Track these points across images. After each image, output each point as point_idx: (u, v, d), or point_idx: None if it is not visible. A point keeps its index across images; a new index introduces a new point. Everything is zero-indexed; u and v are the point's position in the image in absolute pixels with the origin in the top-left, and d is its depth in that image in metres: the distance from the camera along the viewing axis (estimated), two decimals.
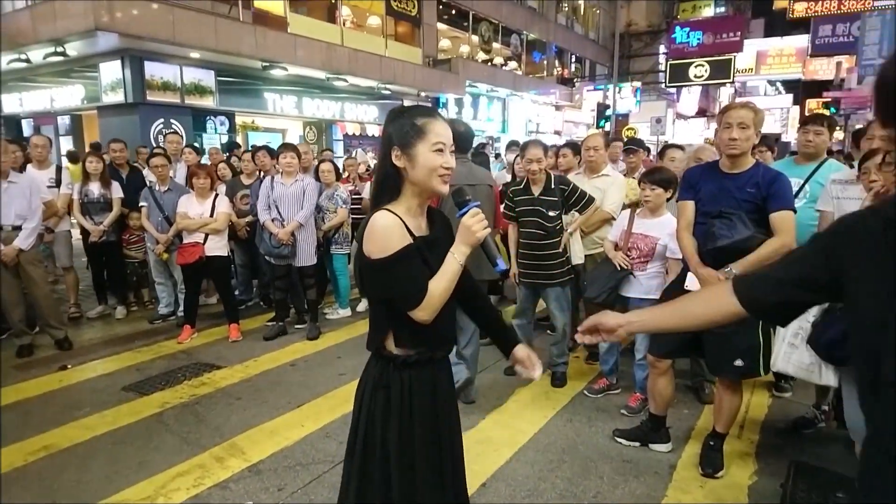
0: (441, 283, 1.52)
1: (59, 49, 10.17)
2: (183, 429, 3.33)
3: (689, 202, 2.77)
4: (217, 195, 5.01)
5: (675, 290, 2.83)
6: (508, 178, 6.44)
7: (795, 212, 2.56)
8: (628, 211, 3.49)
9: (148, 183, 5.42)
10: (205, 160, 6.85)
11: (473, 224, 1.52)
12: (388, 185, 1.57)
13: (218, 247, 4.93)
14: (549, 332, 4.71)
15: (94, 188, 5.25)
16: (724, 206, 2.61)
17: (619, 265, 3.33)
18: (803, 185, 3.46)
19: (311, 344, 4.90)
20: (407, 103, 15.50)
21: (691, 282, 2.70)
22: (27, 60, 10.96)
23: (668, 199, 3.31)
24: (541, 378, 4.01)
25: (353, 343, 4.86)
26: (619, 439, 3.15)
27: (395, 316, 1.57)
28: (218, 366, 4.35)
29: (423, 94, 17.16)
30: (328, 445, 3.11)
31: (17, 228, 4.35)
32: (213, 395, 3.82)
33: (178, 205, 4.97)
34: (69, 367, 4.31)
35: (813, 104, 26.11)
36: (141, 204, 5.26)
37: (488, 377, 4.14)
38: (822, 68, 23.99)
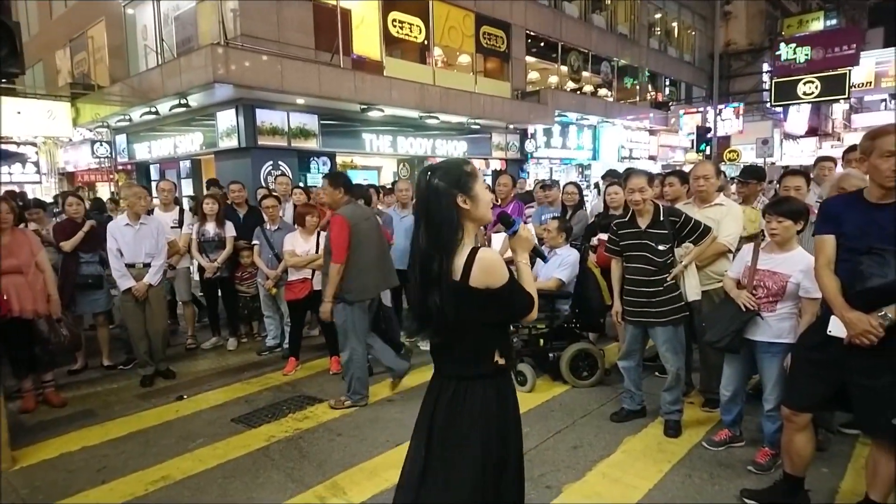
0: (532, 287, 1.91)
1: (183, 101, 11.27)
2: (288, 464, 3.39)
3: (830, 237, 2.46)
4: (319, 233, 5.22)
5: (815, 334, 2.52)
6: (601, 208, 6.21)
7: None
8: (751, 245, 3.18)
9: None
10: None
11: (529, 235, 1.98)
12: (455, 227, 1.79)
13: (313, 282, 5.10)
14: (657, 374, 4.42)
15: (210, 228, 5.65)
16: (874, 241, 2.29)
17: (744, 305, 3.02)
18: None
19: (408, 378, 4.86)
20: (495, 136, 15.65)
21: (835, 326, 2.38)
22: (156, 112, 12.24)
23: (798, 233, 2.98)
24: (652, 426, 3.77)
25: None
26: (750, 501, 2.81)
27: (499, 333, 1.91)
28: (320, 399, 4.44)
29: (511, 126, 17.23)
30: None
31: (147, 265, 4.79)
32: (316, 429, 3.88)
33: (284, 242, 5.22)
34: (185, 397, 4.58)
35: None
36: (254, 242, 5.59)
37: (591, 423, 3.90)
38: None
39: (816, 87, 18.76)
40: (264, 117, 11.55)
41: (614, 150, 21.45)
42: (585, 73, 20.67)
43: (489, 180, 13.50)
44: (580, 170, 20.57)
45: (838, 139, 29.69)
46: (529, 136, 18.03)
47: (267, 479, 3.24)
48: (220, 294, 5.96)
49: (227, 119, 11.75)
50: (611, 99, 21.56)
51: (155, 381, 4.90)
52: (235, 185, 6.17)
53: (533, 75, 19.18)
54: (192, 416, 4.20)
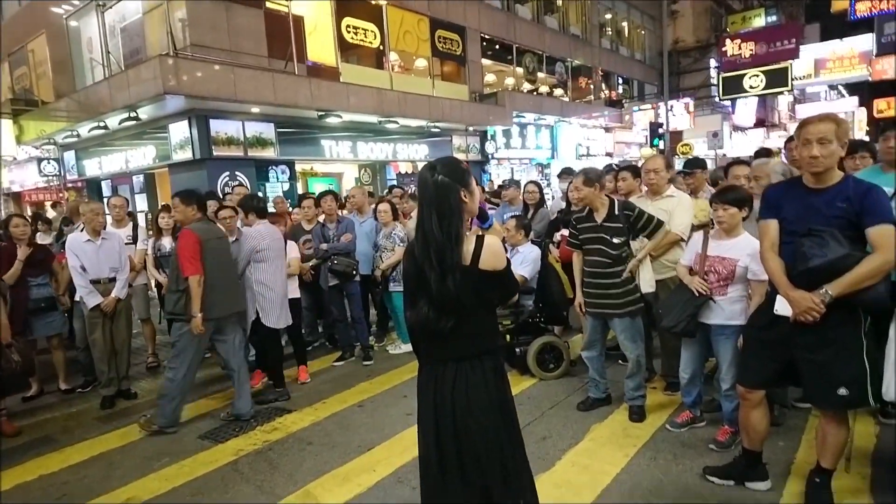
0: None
1: (133, 114, 10.96)
2: (258, 477, 3.34)
3: (773, 221, 2.58)
4: (287, 241, 5.16)
5: (764, 314, 2.64)
6: (563, 204, 6.33)
7: (895, 224, 2.34)
8: (701, 233, 3.31)
9: None
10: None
11: (500, 228, 2.42)
12: (463, 218, 1.96)
13: (290, 290, 5.04)
14: (620, 362, 4.53)
15: (167, 242, 5.52)
16: (813, 223, 2.41)
17: (697, 291, 3.14)
18: (894, 194, 3.19)
19: (377, 383, 4.89)
20: (455, 139, 15.72)
21: (781, 306, 2.49)
22: (105, 127, 11.87)
23: (743, 219, 3.12)
24: (617, 413, 3.87)
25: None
26: (712, 478, 2.91)
27: (495, 314, 2.16)
28: (289, 409, 4.39)
29: (470, 128, 17.36)
30: (402, 490, 3.03)
31: (112, 280, 4.75)
32: (286, 440, 3.84)
33: None
34: (149, 415, 4.45)
35: (882, 105, 24.68)
36: None
37: (559, 413, 3.98)
38: (892, 67, 22.64)
39: (761, 81, 19.51)
40: (219, 127, 11.33)
41: (572, 148, 21.83)
42: (541, 74, 20.99)
43: None
44: (540, 169, 20.85)
45: (784, 129, 30.96)
46: (489, 138, 18.20)
47: (237, 493, 3.19)
48: None
49: (179, 131, 11.49)
50: (566, 99, 21.95)
51: (116, 403, 4.76)
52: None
53: (489, 78, 19.37)
54: (157, 436, 4.08)
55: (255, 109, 11.48)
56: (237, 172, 11.58)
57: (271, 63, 11.75)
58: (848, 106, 30.99)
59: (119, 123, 11.55)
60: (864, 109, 28.65)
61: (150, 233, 5.97)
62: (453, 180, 1.96)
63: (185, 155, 11.48)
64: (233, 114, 11.45)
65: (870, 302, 2.35)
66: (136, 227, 5.82)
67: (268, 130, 12.20)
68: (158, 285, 5.61)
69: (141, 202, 13.77)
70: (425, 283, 1.94)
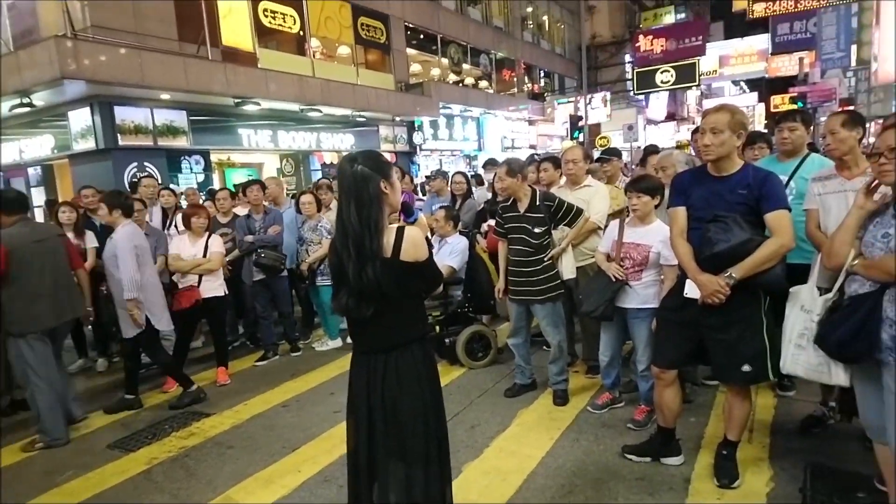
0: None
1: (26, 100, 9.99)
2: (173, 486, 3.16)
3: (681, 208, 2.72)
4: (210, 235, 4.89)
5: (675, 297, 2.77)
6: (489, 195, 6.41)
7: (790, 210, 2.52)
8: (617, 221, 3.43)
9: None
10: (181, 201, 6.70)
11: (426, 222, 2.53)
12: (382, 209, 1.97)
13: (213, 287, 4.80)
14: (545, 347, 4.64)
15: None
16: (718, 209, 2.56)
17: (614, 276, 3.26)
18: (788, 181, 3.44)
19: (303, 381, 4.75)
20: (382, 129, 15.52)
21: (690, 289, 2.63)
22: None
23: (655, 207, 3.26)
24: (543, 397, 3.97)
25: (345, 377, 4.64)
26: (630, 456, 3.04)
27: (421, 302, 2.15)
28: (207, 413, 4.18)
29: (398, 118, 17.21)
30: (328, 490, 2.96)
31: None
32: (204, 445, 3.65)
33: (170, 247, 4.88)
34: (35, 435, 4.08)
35: (778, 100, 26.68)
36: None
37: (487, 401, 4.03)
38: (785, 65, 24.56)
39: (672, 76, 20.59)
40: (125, 115, 10.57)
41: (498, 140, 22.18)
42: (466, 66, 21.12)
43: None
44: (468, 161, 21.03)
45: (692, 122, 32.88)
46: (417, 129, 18.13)
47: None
48: None
49: (80, 119, 10.61)
50: (491, 91, 22.22)
51: (11, 414, 4.34)
52: (88, 189, 5.59)
53: (415, 68, 19.26)
54: (59, 448, 3.77)
55: (165, 96, 10.80)
56: (146, 163, 10.86)
57: (182, 47, 11.08)
58: (749, 101, 33.38)
59: (10, 110, 10.51)
60: (762, 104, 30.89)
61: None
62: (373, 170, 1.97)
63: (88, 145, 10.63)
64: (140, 100, 10.70)
65: (769, 283, 2.52)
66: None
67: (179, 118, 11.52)
68: None
69: (38, 196, 12.63)
70: (344, 274, 1.96)
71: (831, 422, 3.22)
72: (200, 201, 6.79)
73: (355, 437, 2.09)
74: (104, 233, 5.34)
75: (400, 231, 1.97)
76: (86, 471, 3.41)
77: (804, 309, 2.36)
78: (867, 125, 2.97)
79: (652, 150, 5.57)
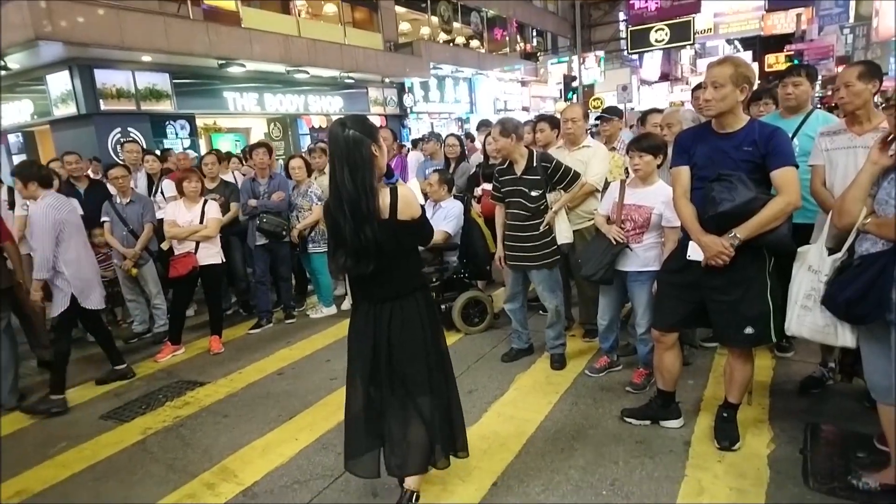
0: None
1: (0, 63, 9.61)
2: (168, 455, 3.12)
3: (684, 167, 2.62)
4: (206, 201, 4.76)
5: (676, 259, 2.70)
6: (481, 158, 6.26)
7: (798, 167, 2.43)
8: (619, 182, 3.33)
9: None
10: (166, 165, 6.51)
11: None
12: (374, 172, 2.07)
13: (211, 255, 4.70)
14: (541, 312, 4.61)
15: None
16: (722, 168, 2.46)
17: (614, 239, 3.18)
18: (791, 138, 3.34)
19: (297, 349, 4.70)
20: (371, 91, 15.14)
21: (693, 251, 2.56)
22: None
23: (658, 166, 3.16)
24: (540, 362, 3.94)
25: (341, 345, 4.63)
26: (629, 419, 3.03)
27: (418, 255, 2.39)
28: (201, 382, 4.13)
29: (387, 79, 16.80)
30: (326, 458, 2.93)
31: None
32: (199, 414, 3.60)
33: (166, 213, 4.74)
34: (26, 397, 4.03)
35: (772, 59, 26.31)
36: (103, 219, 4.97)
37: (485, 366, 4.00)
38: (780, 23, 24.13)
39: (666, 35, 20.13)
40: (105, 78, 10.24)
41: (490, 102, 21.80)
42: (456, 24, 20.56)
43: None
44: (460, 123, 20.68)
45: (686, 83, 32.43)
46: (407, 91, 17.74)
47: (146, 474, 2.95)
48: None
49: (60, 82, 10.27)
50: (483, 51, 21.71)
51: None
52: (71, 155, 5.38)
53: (404, 26, 18.73)
54: (52, 419, 3.72)
55: (147, 58, 10.44)
56: (130, 128, 10.58)
57: (162, 6, 10.65)
58: None
59: None
60: (756, 64, 30.45)
61: None
62: (364, 134, 2.06)
63: (69, 110, 10.32)
64: (121, 63, 10.36)
65: (774, 243, 2.45)
66: (11, 190, 5.15)
67: (162, 81, 11.18)
68: None
69: None
70: (341, 235, 2.08)
71: (830, 382, 3.22)
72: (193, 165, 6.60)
73: (360, 380, 2.27)
74: (88, 199, 5.20)
75: (394, 192, 2.10)
76: (79, 442, 3.37)
77: (812, 269, 2.30)
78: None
79: (652, 111, 5.43)
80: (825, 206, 2.85)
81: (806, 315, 2.31)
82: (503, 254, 3.85)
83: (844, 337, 2.22)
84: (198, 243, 4.63)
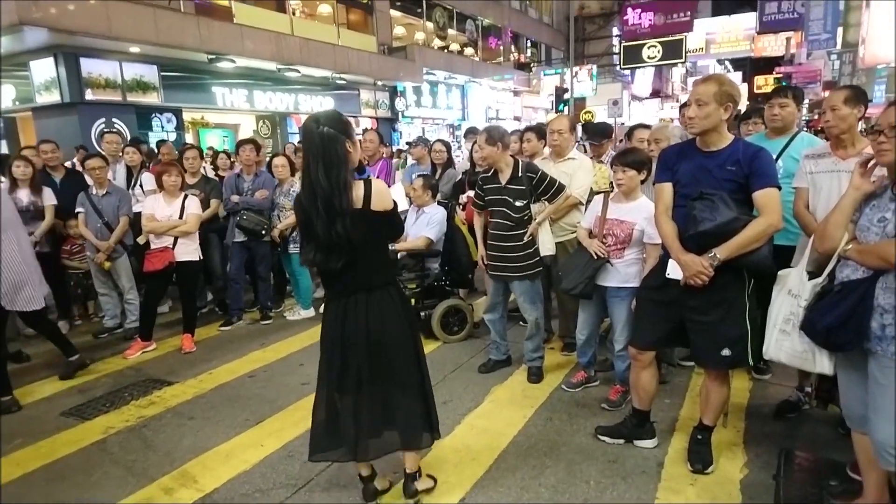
0: None
1: None
2: (128, 457, 3.01)
3: (667, 184, 2.59)
4: (186, 196, 4.65)
5: (656, 277, 2.67)
6: (468, 165, 6.22)
7: (780, 189, 2.40)
8: (601, 196, 3.30)
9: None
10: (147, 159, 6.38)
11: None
12: (348, 167, 2.12)
13: (189, 251, 4.59)
14: (521, 323, 4.55)
15: (23, 195, 4.76)
16: (705, 186, 2.43)
17: (595, 253, 3.14)
18: (776, 159, 3.33)
19: (271, 350, 4.60)
20: (363, 93, 15.07)
21: (673, 269, 2.52)
22: None
23: (642, 182, 3.13)
24: (517, 374, 3.89)
25: (316, 348, 4.50)
26: (603, 437, 2.98)
27: (387, 249, 2.44)
28: (169, 381, 4.01)
29: (379, 82, 16.76)
30: (290, 466, 2.84)
31: None
32: (163, 415, 3.49)
33: (144, 207, 4.62)
34: None
35: (761, 80, 26.64)
36: (77, 210, 4.84)
37: (461, 376, 3.94)
38: (770, 45, 24.45)
39: (658, 52, 20.37)
40: (91, 68, 10.08)
41: (482, 110, 21.83)
42: (451, 31, 20.61)
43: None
44: (451, 130, 20.69)
45: (676, 100, 32.79)
46: (399, 94, 17.70)
47: (103, 475, 2.84)
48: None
49: (43, 69, 10.09)
50: (477, 59, 21.76)
51: None
52: (47, 144, 5.24)
53: (399, 31, 18.72)
54: (10, 415, 3.58)
55: (135, 49, 10.30)
56: (114, 119, 10.42)
57: None
58: (733, 80, 33.31)
59: None
60: (745, 85, 30.88)
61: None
62: (338, 131, 2.09)
63: (52, 98, 10.15)
64: (108, 52, 10.21)
65: (754, 264, 2.42)
66: None
67: (150, 73, 11.04)
68: None
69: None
70: (312, 230, 2.13)
71: (806, 407, 3.20)
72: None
73: (332, 370, 2.29)
74: (64, 189, 5.06)
75: (367, 183, 2.16)
76: (37, 439, 3.24)
77: (791, 293, 2.27)
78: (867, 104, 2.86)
79: (638, 126, 5.42)
80: (807, 228, 2.84)
81: (784, 339, 2.28)
82: (485, 253, 3.80)
83: (822, 364, 2.18)
84: (176, 238, 4.52)
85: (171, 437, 3.22)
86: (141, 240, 4.70)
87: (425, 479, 2.54)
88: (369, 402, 2.29)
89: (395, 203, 2.27)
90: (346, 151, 2.09)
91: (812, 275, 2.26)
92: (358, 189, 2.13)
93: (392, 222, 2.30)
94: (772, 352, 2.32)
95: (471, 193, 5.02)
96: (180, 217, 4.54)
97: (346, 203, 2.07)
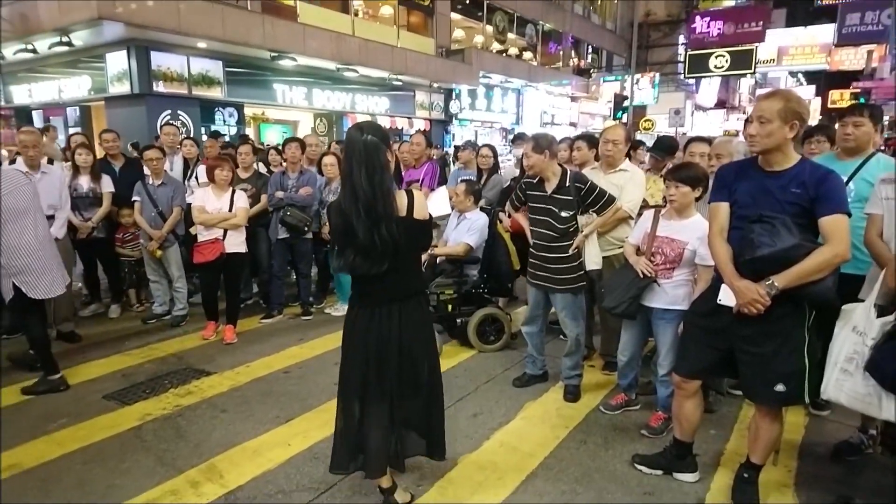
0: None
1: (65, 39, 10.00)
2: (160, 446, 3.07)
3: (724, 204, 2.41)
4: (234, 190, 4.77)
5: (707, 301, 2.49)
6: (517, 172, 6.10)
7: (850, 215, 2.19)
8: (652, 211, 3.13)
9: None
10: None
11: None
12: (390, 175, 2.23)
13: (237, 243, 4.71)
14: (562, 337, 4.40)
15: (84, 182, 5.00)
16: (765, 209, 2.25)
17: (642, 272, 2.98)
18: (847, 182, 3.08)
19: (308, 347, 4.63)
20: (419, 95, 15.18)
21: (725, 295, 2.35)
22: (33, 51, 10.80)
23: (696, 199, 2.95)
24: (553, 391, 3.75)
25: None
26: (640, 466, 2.81)
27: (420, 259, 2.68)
28: (208, 372, 4.09)
29: (435, 84, 16.81)
30: (315, 469, 2.82)
31: (51, 218, 4.23)
32: (198, 406, 3.55)
33: (194, 199, 4.76)
34: None
35: (836, 95, 25.25)
36: (134, 198, 5.03)
37: (494, 388, 3.83)
38: (849, 58, 23.08)
39: (726, 62, 19.60)
40: (161, 61, 10.53)
41: (537, 114, 21.58)
42: (511, 35, 20.46)
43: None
44: (504, 133, 20.53)
45: (743, 112, 31.47)
46: (454, 97, 17.71)
47: (134, 463, 2.90)
48: (96, 257, 5.34)
49: (117, 61, 10.62)
50: (535, 63, 21.52)
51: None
52: (109, 133, 5.47)
53: (458, 34, 18.74)
54: (59, 393, 3.73)
55: (202, 44, 10.69)
56: (179, 112, 10.85)
57: None
58: (806, 94, 31.65)
59: (49, 48, 10.56)
60: (819, 99, 29.30)
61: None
62: (381, 140, 2.18)
63: (123, 88, 10.66)
64: (177, 47, 10.63)
65: (817, 296, 2.22)
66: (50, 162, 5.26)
67: (215, 68, 11.44)
68: (73, 229, 5.03)
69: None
70: (353, 234, 2.15)
71: (869, 451, 2.93)
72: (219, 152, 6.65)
73: (355, 380, 2.33)
74: (122, 178, 5.27)
75: (410, 193, 2.26)
76: (78, 420, 3.35)
77: (856, 330, 2.08)
78: None
79: (695, 139, 5.17)
80: (879, 259, 2.59)
81: (846, 380, 2.08)
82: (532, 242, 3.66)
83: (889, 410, 1.99)
84: (225, 231, 4.63)
85: (203, 428, 3.26)
86: (193, 230, 4.83)
87: (402, 493, 2.52)
88: (398, 411, 2.35)
89: (430, 214, 2.37)
90: (386, 160, 2.19)
91: (882, 310, 2.06)
92: (401, 198, 2.22)
93: (427, 231, 2.40)
94: (831, 392, 2.13)
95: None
96: (230, 210, 4.63)
97: (390, 208, 2.15)
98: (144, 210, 4.98)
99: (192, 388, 3.83)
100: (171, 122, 9.71)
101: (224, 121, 11.93)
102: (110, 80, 10.84)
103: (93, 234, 5.00)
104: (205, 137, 10.79)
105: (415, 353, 2.31)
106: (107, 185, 5.03)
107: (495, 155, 5.90)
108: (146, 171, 5.15)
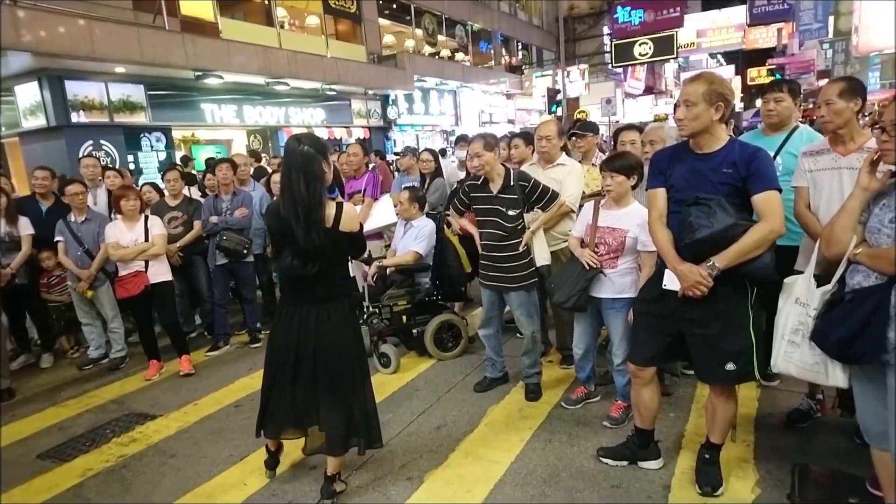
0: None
1: None
2: (106, 502, 2.85)
3: (661, 190, 2.43)
4: (147, 217, 4.53)
5: (653, 287, 2.50)
6: (462, 174, 6.08)
7: (781, 191, 2.24)
8: (592, 203, 3.14)
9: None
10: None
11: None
12: (324, 185, 2.35)
13: (161, 272, 4.50)
14: (518, 335, 4.39)
15: None
16: (700, 191, 2.28)
17: (588, 264, 2.98)
18: (774, 157, 3.17)
19: (258, 378, 4.38)
20: (354, 103, 14.92)
21: (670, 280, 2.36)
22: None
23: (633, 188, 2.97)
24: (515, 391, 3.72)
25: None
26: (605, 460, 2.81)
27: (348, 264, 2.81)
28: (152, 415, 3.85)
29: (370, 91, 16.64)
30: None
31: None
32: (144, 453, 3.32)
33: (105, 235, 4.49)
34: None
35: (754, 72, 26.52)
36: (57, 239, 4.70)
37: (456, 397, 3.76)
38: (762, 37, 24.30)
39: (650, 48, 20.24)
40: (77, 90, 9.95)
41: (475, 114, 21.70)
42: (441, 37, 20.50)
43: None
44: (445, 136, 20.54)
45: (670, 96, 32.70)
46: (391, 103, 17.58)
47: None
48: (20, 304, 4.94)
49: (28, 94, 9.96)
50: (468, 63, 21.65)
51: None
52: (42, 171, 5.07)
53: (388, 39, 18.61)
54: None
55: (120, 69, 10.17)
56: (102, 141, 10.28)
57: (138, 17, 10.41)
58: (726, 74, 33.15)
59: None
60: (738, 77, 30.75)
61: None
62: (317, 151, 2.34)
63: (38, 122, 10.01)
64: (93, 73, 10.07)
65: (756, 273, 2.26)
66: None
67: (137, 93, 10.90)
68: None
69: None
70: (291, 237, 2.31)
71: (818, 416, 3.03)
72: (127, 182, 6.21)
73: (280, 377, 2.53)
74: (49, 218, 4.89)
75: (339, 206, 2.38)
76: (9, 486, 3.08)
77: (799, 302, 2.11)
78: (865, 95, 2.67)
79: (625, 128, 5.25)
80: (810, 230, 2.68)
81: (794, 351, 2.12)
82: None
83: (836, 376, 2.02)
84: (147, 261, 4.40)
85: (150, 477, 3.05)
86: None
87: (341, 483, 2.67)
88: (303, 395, 2.50)
89: (360, 225, 2.53)
90: (322, 170, 2.34)
91: (820, 280, 2.10)
92: (330, 208, 2.35)
93: (356, 241, 2.55)
94: (780, 364, 2.16)
95: None
96: (146, 240, 4.41)
97: (321, 216, 2.31)
98: (70, 249, 4.66)
99: (137, 434, 3.59)
100: (91, 153, 9.19)
101: (151, 146, 11.38)
102: (23, 113, 10.16)
103: (14, 282, 4.62)
104: (132, 166, 10.38)
105: (332, 351, 2.45)
106: (25, 228, 4.67)
107: (437, 158, 5.84)
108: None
